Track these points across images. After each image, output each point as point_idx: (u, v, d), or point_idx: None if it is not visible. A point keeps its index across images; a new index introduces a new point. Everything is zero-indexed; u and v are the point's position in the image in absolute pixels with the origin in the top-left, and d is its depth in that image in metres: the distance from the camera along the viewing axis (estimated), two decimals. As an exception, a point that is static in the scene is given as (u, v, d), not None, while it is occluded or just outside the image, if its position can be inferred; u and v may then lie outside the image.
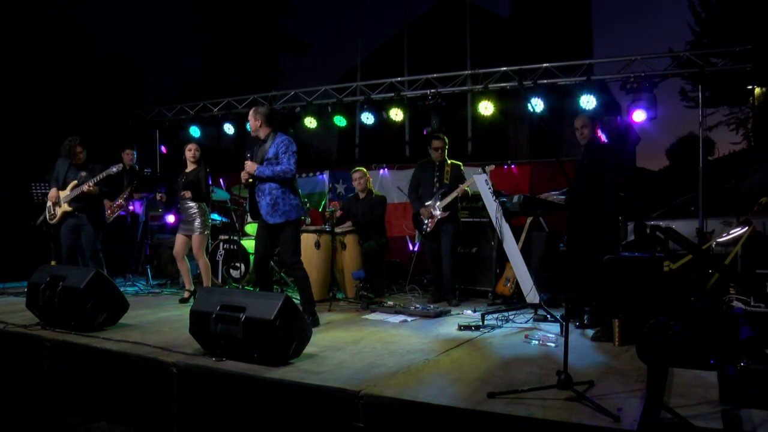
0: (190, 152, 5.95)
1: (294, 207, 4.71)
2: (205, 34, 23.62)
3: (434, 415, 2.68)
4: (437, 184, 5.93)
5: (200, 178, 5.86)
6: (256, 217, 4.80)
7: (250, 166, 4.69)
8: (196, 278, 6.27)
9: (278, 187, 4.66)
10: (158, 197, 6.24)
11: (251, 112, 4.82)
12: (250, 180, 4.73)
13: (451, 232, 5.85)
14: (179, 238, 5.90)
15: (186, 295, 5.96)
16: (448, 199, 5.79)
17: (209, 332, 3.50)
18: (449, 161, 6.01)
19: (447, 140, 6.02)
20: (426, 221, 5.91)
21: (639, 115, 6.37)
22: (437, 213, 5.83)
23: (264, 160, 4.68)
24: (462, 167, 6.08)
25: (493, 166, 5.78)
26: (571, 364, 2.95)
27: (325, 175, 9.06)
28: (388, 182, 8.36)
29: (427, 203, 5.92)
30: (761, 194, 4.34)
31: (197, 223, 5.83)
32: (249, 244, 7.05)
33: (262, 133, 4.78)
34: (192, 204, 5.85)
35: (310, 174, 9.25)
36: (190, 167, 5.97)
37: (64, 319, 4.26)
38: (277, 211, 4.64)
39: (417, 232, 7.83)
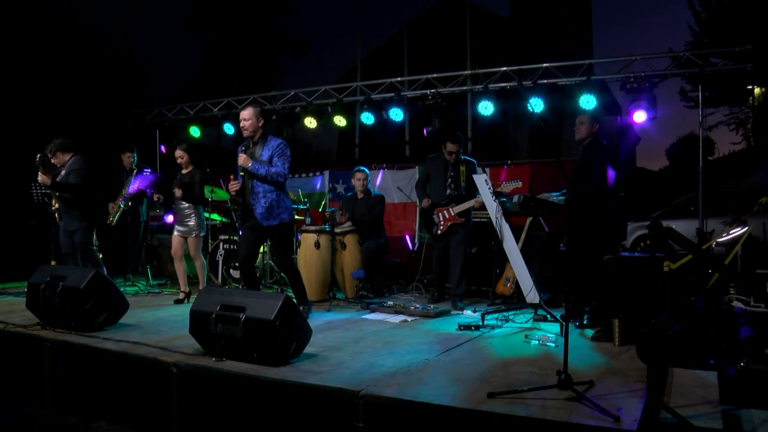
0: (183, 159, 5.91)
1: (287, 209, 4.79)
2: (204, 35, 23.66)
3: (434, 414, 2.67)
4: (452, 186, 5.75)
5: (195, 180, 5.83)
6: (246, 221, 4.78)
7: (245, 159, 4.62)
8: (195, 278, 6.28)
9: (272, 190, 4.67)
10: (155, 198, 6.22)
11: (253, 111, 4.67)
12: (242, 174, 4.68)
13: (463, 238, 5.70)
14: (175, 239, 5.90)
15: (181, 296, 5.94)
16: (465, 206, 5.65)
17: (209, 332, 3.50)
18: (464, 159, 5.82)
19: (462, 140, 5.82)
20: (439, 221, 5.75)
21: (639, 116, 6.36)
22: (451, 216, 5.69)
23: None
24: (476, 165, 5.88)
25: (505, 172, 5.61)
26: (571, 364, 2.95)
27: (325, 175, 9.07)
28: (388, 182, 8.36)
29: (442, 203, 5.76)
30: (761, 194, 4.34)
31: (192, 224, 5.83)
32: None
33: (258, 134, 4.72)
34: (186, 205, 5.85)
35: (310, 174, 9.25)
36: (186, 170, 5.96)
37: (64, 319, 4.26)
38: (272, 215, 4.68)
39: (417, 231, 7.81)
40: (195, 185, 5.82)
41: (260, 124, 4.70)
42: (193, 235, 5.83)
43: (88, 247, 5.73)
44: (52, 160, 5.70)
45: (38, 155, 5.74)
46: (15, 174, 9.13)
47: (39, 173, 5.57)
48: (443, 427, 2.66)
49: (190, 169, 5.94)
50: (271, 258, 6.75)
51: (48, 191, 6.42)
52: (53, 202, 5.82)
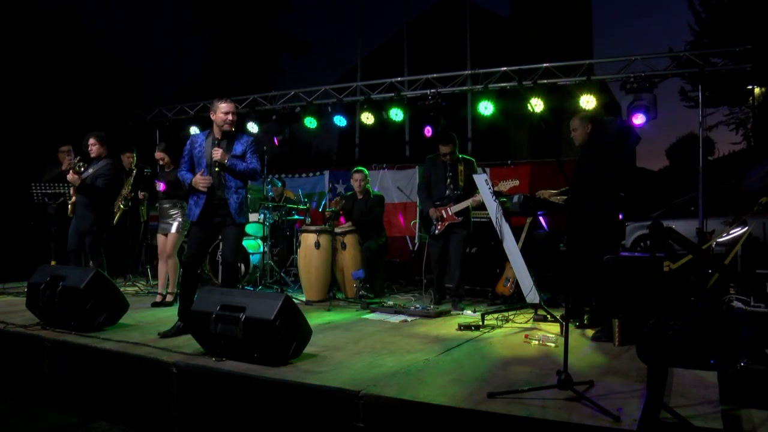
0: (164, 161, 5.83)
1: (248, 208, 4.72)
2: (204, 35, 23.67)
3: (434, 414, 2.67)
4: (451, 186, 5.70)
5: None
6: (209, 218, 4.38)
7: (221, 154, 4.28)
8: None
9: (242, 186, 4.50)
10: (140, 195, 6.22)
11: (231, 106, 4.45)
12: (216, 169, 4.32)
13: (462, 237, 5.65)
14: (160, 238, 5.84)
15: (158, 298, 5.76)
16: (462, 205, 5.60)
17: (209, 332, 3.50)
18: (462, 158, 5.75)
19: (456, 139, 5.76)
20: (436, 222, 5.70)
21: (640, 119, 6.34)
22: (449, 216, 5.64)
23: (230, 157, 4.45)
24: (475, 164, 5.80)
25: (514, 180, 5.44)
26: (571, 364, 2.95)
27: (325, 175, 9.08)
28: (388, 182, 8.36)
29: (437, 203, 5.72)
30: (761, 194, 4.34)
31: (176, 224, 5.77)
32: (249, 244, 7.06)
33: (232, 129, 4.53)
34: (170, 204, 5.79)
35: (310, 174, 9.27)
36: (169, 168, 5.89)
37: (64, 319, 4.26)
38: (242, 212, 4.48)
39: (417, 232, 7.80)
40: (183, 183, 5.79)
41: (236, 119, 4.58)
42: (174, 231, 5.74)
43: (98, 249, 5.73)
44: (92, 147, 5.70)
45: (77, 157, 5.81)
46: (15, 174, 9.14)
47: (70, 172, 5.56)
48: (443, 427, 2.66)
49: (173, 167, 5.85)
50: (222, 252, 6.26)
51: (50, 191, 6.44)
52: (71, 192, 5.83)
